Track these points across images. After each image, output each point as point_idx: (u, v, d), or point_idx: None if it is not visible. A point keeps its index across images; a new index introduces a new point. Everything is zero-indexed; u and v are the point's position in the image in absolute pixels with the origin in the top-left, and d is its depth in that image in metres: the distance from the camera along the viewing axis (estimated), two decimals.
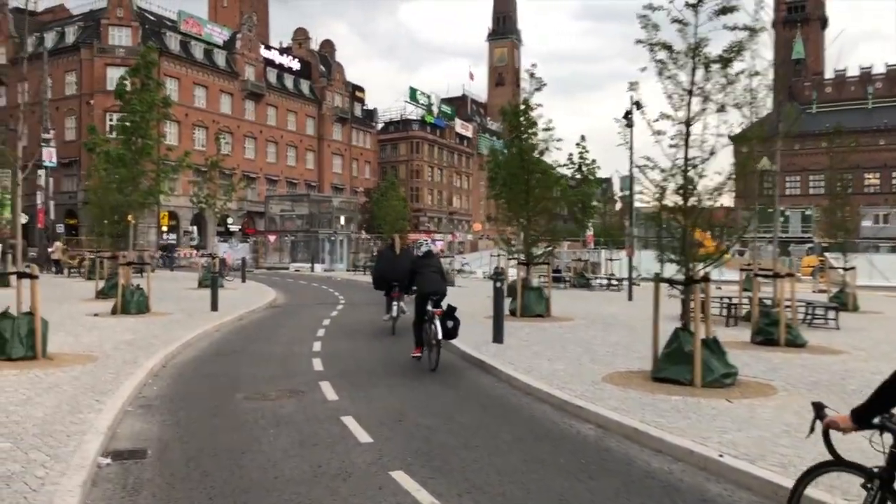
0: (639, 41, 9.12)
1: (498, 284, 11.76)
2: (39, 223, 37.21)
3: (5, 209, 30.55)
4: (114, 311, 15.96)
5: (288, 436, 6.87)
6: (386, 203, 34.71)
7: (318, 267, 42.36)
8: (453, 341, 10.96)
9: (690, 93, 8.81)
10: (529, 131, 19.75)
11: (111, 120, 43.56)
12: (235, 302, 20.10)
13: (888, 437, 2.95)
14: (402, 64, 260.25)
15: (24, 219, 49.89)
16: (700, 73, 8.77)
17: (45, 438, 6.35)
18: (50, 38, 62.39)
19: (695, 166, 8.81)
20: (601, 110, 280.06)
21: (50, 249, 34.34)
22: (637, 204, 27.82)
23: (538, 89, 16.82)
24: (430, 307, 10.36)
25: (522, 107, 19.68)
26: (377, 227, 40.57)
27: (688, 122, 8.87)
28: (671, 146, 8.87)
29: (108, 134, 21.11)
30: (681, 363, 8.61)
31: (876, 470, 3.01)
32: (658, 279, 8.86)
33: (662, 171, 8.94)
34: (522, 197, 16.51)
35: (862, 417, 2.99)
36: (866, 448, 3.00)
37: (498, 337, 11.68)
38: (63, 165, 56.72)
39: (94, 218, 23.04)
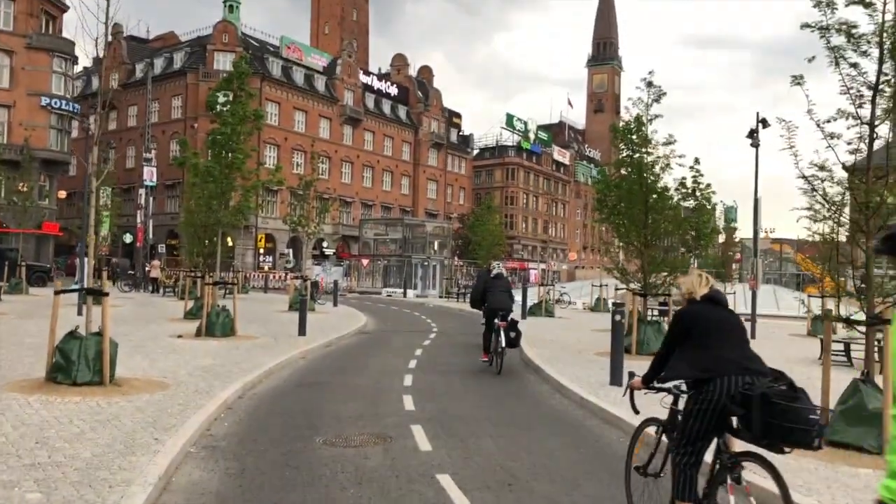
0: (806, 25, 7.48)
1: (618, 318, 10.15)
2: (138, 241, 37.79)
3: (104, 226, 30.95)
4: (198, 333, 15.19)
5: (371, 499, 5.53)
6: (482, 228, 33.43)
7: (411, 292, 41.41)
8: (569, 384, 10.46)
9: (876, 87, 7.08)
10: (645, 148, 18.14)
11: None
12: (325, 326, 19.13)
13: (669, 399, 4.59)
14: (497, 93, 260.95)
15: (127, 238, 51.60)
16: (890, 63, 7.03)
17: (84, 489, 5.25)
18: (159, 64, 64.84)
19: (881, 177, 7.05)
20: (700, 140, 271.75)
21: (147, 268, 34.74)
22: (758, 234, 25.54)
23: (657, 100, 15.13)
24: (497, 320, 12.28)
25: (634, 123, 18.08)
26: (472, 253, 39.29)
27: (871, 124, 7.14)
28: (851, 152, 7.14)
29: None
30: (863, 425, 6.80)
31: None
32: (832, 318, 7.08)
33: (838, 183, 7.21)
34: (640, 219, 14.81)
35: (646, 381, 4.58)
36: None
37: (616, 378, 10.06)
38: (167, 187, 58.44)
39: (187, 237, 22.76)
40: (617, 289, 19.96)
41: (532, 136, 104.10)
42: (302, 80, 67.13)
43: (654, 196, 14.98)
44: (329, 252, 61.95)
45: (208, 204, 15.58)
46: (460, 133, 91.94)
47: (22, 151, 42.84)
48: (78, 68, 72.40)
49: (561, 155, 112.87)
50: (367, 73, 77.97)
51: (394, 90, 78.94)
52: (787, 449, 3.86)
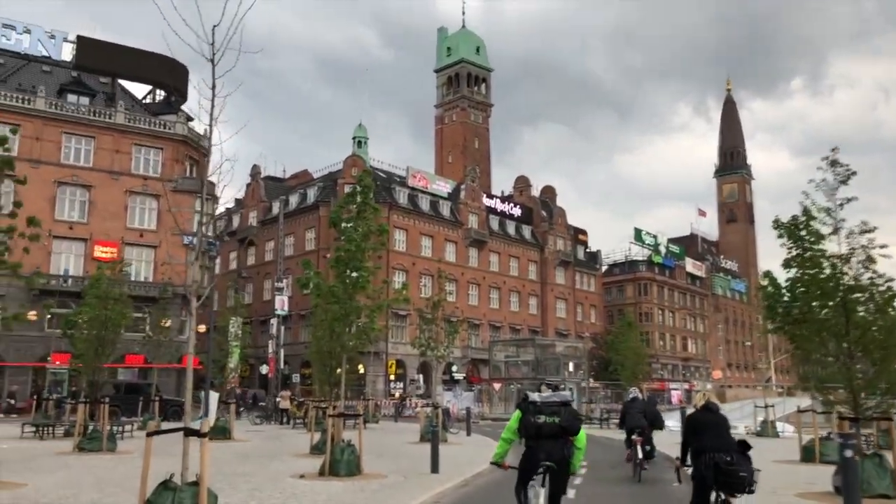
0: None
1: (848, 453, 7.70)
2: (269, 372, 37.55)
3: (233, 357, 30.73)
4: (321, 472, 13.67)
5: None
6: (623, 346, 30.87)
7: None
8: None
9: None
10: (819, 244, 15.72)
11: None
12: (459, 460, 17.18)
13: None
14: (618, 212, 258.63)
15: (263, 369, 52.11)
16: None
17: None
18: (294, 200, 67.74)
19: None
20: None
21: (277, 399, 34.21)
22: None
23: (844, 181, 12.91)
24: (633, 436, 14.77)
25: (803, 216, 15.79)
26: (612, 374, 36.45)
27: None
28: None
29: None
30: None
31: None
32: None
33: None
34: (837, 325, 12.30)
35: (682, 462, 7.54)
36: None
37: None
38: (301, 317, 59.34)
39: (315, 364, 21.83)
40: (800, 410, 16.99)
41: (663, 249, 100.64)
42: (428, 206, 68.15)
43: (858, 295, 12.39)
44: (459, 377, 60.31)
45: (332, 327, 14.42)
46: (587, 250, 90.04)
47: (164, 290, 44.81)
48: (220, 209, 77.01)
49: (695, 268, 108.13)
50: (491, 195, 78.50)
51: (517, 211, 78.82)
52: (737, 495, 6.81)
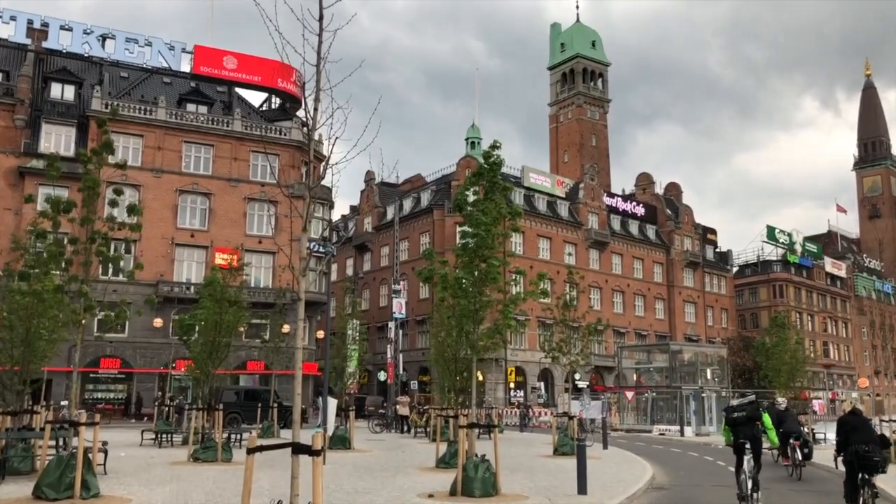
0: None
1: None
2: (389, 378, 36.25)
3: (352, 362, 29.48)
4: (453, 492, 11.82)
5: None
6: (779, 350, 27.50)
7: (688, 430, 35.47)
8: None
9: None
10: None
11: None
12: (604, 478, 14.93)
13: None
14: (743, 213, 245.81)
15: (381, 376, 51.25)
16: None
17: None
18: (407, 205, 66.98)
19: None
20: None
21: (396, 406, 32.80)
22: None
23: None
24: (792, 441, 16.65)
25: None
26: (762, 382, 32.87)
27: None
28: None
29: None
30: None
31: None
32: None
33: None
34: None
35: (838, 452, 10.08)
36: None
37: None
38: (417, 322, 58.29)
39: (438, 369, 20.15)
40: None
41: (798, 248, 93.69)
42: (545, 207, 65.78)
43: None
44: (582, 385, 57.42)
45: (460, 324, 12.58)
46: (716, 250, 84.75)
47: (284, 295, 44.71)
48: (336, 214, 77.58)
49: (835, 267, 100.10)
50: (611, 194, 75.13)
51: (640, 210, 75.03)
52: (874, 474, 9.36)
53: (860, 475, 9.37)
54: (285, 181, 48.41)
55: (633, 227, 74.04)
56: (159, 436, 22.58)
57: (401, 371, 38.16)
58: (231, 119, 47.88)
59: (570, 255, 64.70)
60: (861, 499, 9.35)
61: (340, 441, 20.94)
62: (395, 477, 14.79)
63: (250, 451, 6.15)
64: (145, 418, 36.14)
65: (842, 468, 10.24)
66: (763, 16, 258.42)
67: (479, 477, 11.62)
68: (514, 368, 60.06)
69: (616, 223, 71.88)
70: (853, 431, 9.71)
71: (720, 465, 20.57)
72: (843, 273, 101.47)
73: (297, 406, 6.81)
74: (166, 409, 27.75)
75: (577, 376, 58.75)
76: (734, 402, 12.18)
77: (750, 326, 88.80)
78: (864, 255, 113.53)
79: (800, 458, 16.66)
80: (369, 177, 72.44)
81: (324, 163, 7.80)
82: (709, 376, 42.08)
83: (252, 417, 28.40)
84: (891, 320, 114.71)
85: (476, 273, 12.40)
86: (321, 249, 49.56)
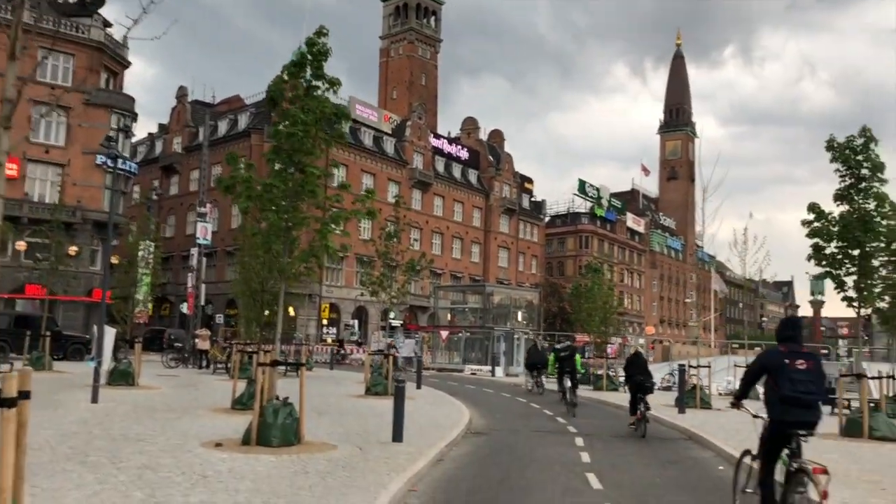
0: None
1: None
2: (188, 309, 33.18)
3: (142, 288, 26.26)
4: (246, 441, 9.97)
5: None
6: (591, 295, 27.86)
7: (499, 370, 35.72)
8: None
9: None
10: (879, 174, 12.73)
11: None
12: (420, 422, 13.71)
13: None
14: (553, 171, 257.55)
15: (184, 308, 47.39)
16: None
17: None
18: (223, 127, 62.27)
19: None
20: (761, 214, 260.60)
21: (195, 339, 29.95)
22: None
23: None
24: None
25: (861, 137, 12.74)
26: (572, 327, 33.53)
27: None
28: None
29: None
30: None
31: None
32: None
33: None
34: None
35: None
36: None
37: None
38: (227, 253, 54.64)
39: (243, 300, 17.99)
40: (848, 376, 14.15)
41: (605, 202, 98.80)
42: (370, 141, 63.74)
43: None
44: (397, 323, 56.93)
45: (267, 243, 10.58)
46: (532, 199, 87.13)
47: (74, 213, 39.71)
48: (143, 133, 70.88)
49: (636, 223, 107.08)
50: (438, 136, 74.38)
51: (464, 154, 75.09)
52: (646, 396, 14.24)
53: (638, 395, 14.28)
54: (81, 85, 42.70)
55: (457, 171, 74.00)
56: None
57: (203, 303, 35.07)
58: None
59: (394, 193, 63.39)
60: (638, 409, 14.13)
61: (122, 376, 18.25)
62: (181, 420, 12.67)
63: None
64: None
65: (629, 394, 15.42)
66: None
67: (278, 423, 9.86)
68: (328, 305, 58.37)
69: (440, 165, 71.40)
70: (634, 367, 15.10)
71: (534, 407, 20.25)
72: (641, 229, 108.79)
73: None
74: None
75: (392, 315, 58.22)
76: (559, 346, 21.00)
77: (557, 274, 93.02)
78: (661, 214, 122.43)
79: (568, 386, 18.38)
80: (181, 93, 66.49)
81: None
82: (520, 319, 42.78)
83: (22, 347, 24.53)
84: (677, 274, 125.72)
85: (290, 184, 10.40)
86: (121, 166, 44.44)
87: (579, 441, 13.01)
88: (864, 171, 13.20)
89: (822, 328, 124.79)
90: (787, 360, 5.89)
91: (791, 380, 5.80)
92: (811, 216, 13.67)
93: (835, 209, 13.59)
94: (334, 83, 10.36)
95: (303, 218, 10.53)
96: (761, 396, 6.93)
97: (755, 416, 6.28)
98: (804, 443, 5.91)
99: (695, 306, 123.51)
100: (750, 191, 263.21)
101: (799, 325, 6.38)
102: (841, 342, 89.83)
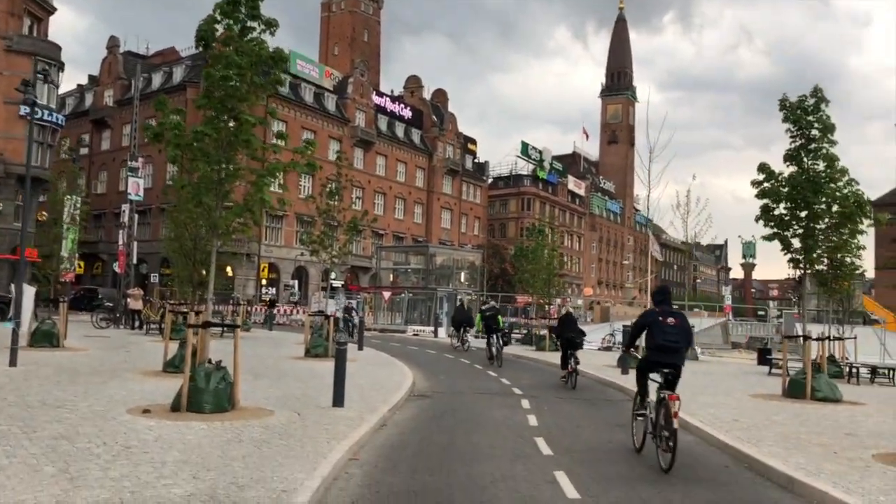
0: None
1: None
2: (119, 267, 31.80)
3: (67, 245, 24.88)
4: (175, 407, 9.36)
5: None
6: (534, 256, 27.73)
7: (441, 331, 35.48)
8: None
9: None
10: (829, 135, 12.67)
11: None
12: (362, 385, 13.29)
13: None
14: (493, 133, 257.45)
15: (117, 267, 45.59)
16: None
17: None
18: (157, 79, 59.77)
19: None
20: (700, 178, 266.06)
21: (127, 299, 28.69)
22: None
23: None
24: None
25: (812, 97, 12.64)
26: (514, 288, 33.40)
27: None
28: None
29: None
30: None
31: None
32: None
33: None
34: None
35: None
36: None
37: None
38: (162, 211, 52.74)
39: (175, 257, 17.12)
40: (790, 337, 14.21)
41: (547, 165, 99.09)
42: (311, 98, 62.06)
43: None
44: (338, 284, 56.13)
45: (197, 199, 9.84)
46: (475, 160, 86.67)
47: None
48: (71, 85, 67.37)
49: (577, 186, 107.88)
50: (380, 93, 72.94)
51: (407, 113, 73.91)
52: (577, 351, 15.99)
53: (569, 351, 15.85)
54: (2, 31, 40.13)
55: (399, 130, 72.88)
56: None
57: (135, 261, 33.68)
58: None
59: (336, 151, 62.00)
60: (569, 364, 15.59)
61: (46, 337, 17.24)
62: (108, 384, 11.92)
63: None
64: None
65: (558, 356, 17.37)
66: None
67: (210, 388, 9.26)
68: (267, 265, 57.20)
69: (383, 124, 70.18)
70: (565, 326, 16.80)
71: (477, 368, 20.03)
72: (582, 192, 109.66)
73: None
74: None
75: (333, 275, 57.30)
76: (484, 307, 24.54)
77: (499, 236, 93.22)
78: (601, 177, 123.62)
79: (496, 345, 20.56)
80: (112, 43, 63.40)
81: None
82: (462, 280, 42.58)
83: None
84: (615, 237, 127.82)
85: (222, 132, 9.65)
86: (47, 117, 42.13)
87: (525, 403, 12.77)
88: (815, 132, 13.13)
89: (753, 290, 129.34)
90: (660, 318, 7.87)
91: (663, 332, 7.79)
92: (761, 176, 13.56)
93: (785, 171, 13.50)
94: (272, 24, 9.58)
95: (237, 169, 9.82)
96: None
97: (638, 358, 9.25)
98: (670, 379, 7.82)
99: (632, 268, 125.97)
100: (685, 156, 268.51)
101: (668, 292, 8.51)
102: (771, 304, 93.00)
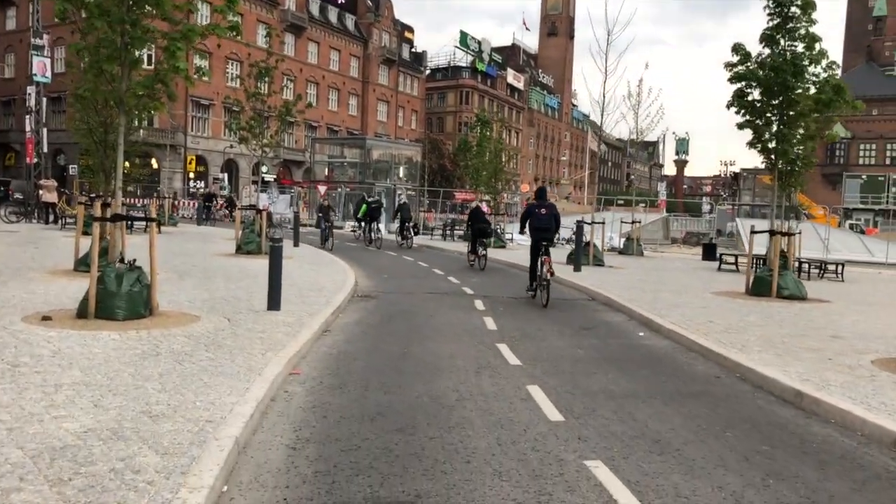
0: None
1: None
2: (28, 157, 29.15)
3: None
4: (82, 313, 8.02)
5: None
6: (479, 151, 26.42)
7: (383, 228, 34.20)
8: None
9: None
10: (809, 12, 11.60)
11: None
12: (300, 285, 12.12)
13: None
14: (430, 22, 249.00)
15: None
16: None
17: None
18: None
19: None
20: (630, 73, 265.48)
21: (39, 191, 26.35)
22: None
23: None
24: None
25: None
26: (458, 183, 32.17)
27: None
28: None
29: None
30: None
31: None
32: None
33: None
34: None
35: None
36: None
37: None
38: (78, 97, 49.00)
39: (82, 140, 15.36)
40: (760, 232, 13.53)
41: (486, 57, 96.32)
42: None
43: None
44: (269, 178, 53.94)
45: (97, 68, 8.17)
46: (412, 50, 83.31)
47: None
48: None
49: (516, 79, 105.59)
50: None
51: None
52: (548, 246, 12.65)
53: (478, 240, 18.28)
54: None
55: (333, 15, 68.94)
56: None
57: (45, 149, 30.94)
58: None
59: (264, 36, 58.23)
60: (478, 249, 18.23)
61: None
62: (6, 285, 10.42)
63: None
64: None
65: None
66: None
67: (123, 292, 7.93)
68: (194, 157, 54.34)
69: (315, 8, 66.16)
70: (474, 218, 18.73)
71: (422, 266, 19.04)
72: (521, 85, 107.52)
73: None
74: None
75: (264, 169, 55.00)
76: (370, 198, 26.36)
77: (436, 130, 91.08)
78: (540, 71, 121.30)
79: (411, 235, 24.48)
80: None
81: None
82: (401, 175, 41.10)
83: None
84: (553, 133, 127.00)
85: None
86: None
87: (479, 304, 11.84)
88: (794, 10, 12.04)
89: (685, 186, 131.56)
90: (537, 209, 12.41)
91: (538, 218, 12.35)
92: (735, 58, 12.47)
93: (763, 54, 12.43)
94: None
95: (145, 31, 8.14)
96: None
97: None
98: (546, 247, 11.97)
99: (568, 165, 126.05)
100: (619, 51, 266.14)
101: (545, 191, 13.55)
102: (704, 199, 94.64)
